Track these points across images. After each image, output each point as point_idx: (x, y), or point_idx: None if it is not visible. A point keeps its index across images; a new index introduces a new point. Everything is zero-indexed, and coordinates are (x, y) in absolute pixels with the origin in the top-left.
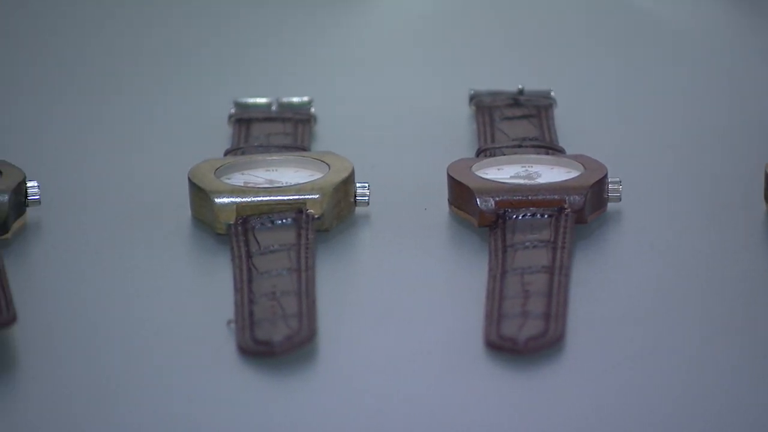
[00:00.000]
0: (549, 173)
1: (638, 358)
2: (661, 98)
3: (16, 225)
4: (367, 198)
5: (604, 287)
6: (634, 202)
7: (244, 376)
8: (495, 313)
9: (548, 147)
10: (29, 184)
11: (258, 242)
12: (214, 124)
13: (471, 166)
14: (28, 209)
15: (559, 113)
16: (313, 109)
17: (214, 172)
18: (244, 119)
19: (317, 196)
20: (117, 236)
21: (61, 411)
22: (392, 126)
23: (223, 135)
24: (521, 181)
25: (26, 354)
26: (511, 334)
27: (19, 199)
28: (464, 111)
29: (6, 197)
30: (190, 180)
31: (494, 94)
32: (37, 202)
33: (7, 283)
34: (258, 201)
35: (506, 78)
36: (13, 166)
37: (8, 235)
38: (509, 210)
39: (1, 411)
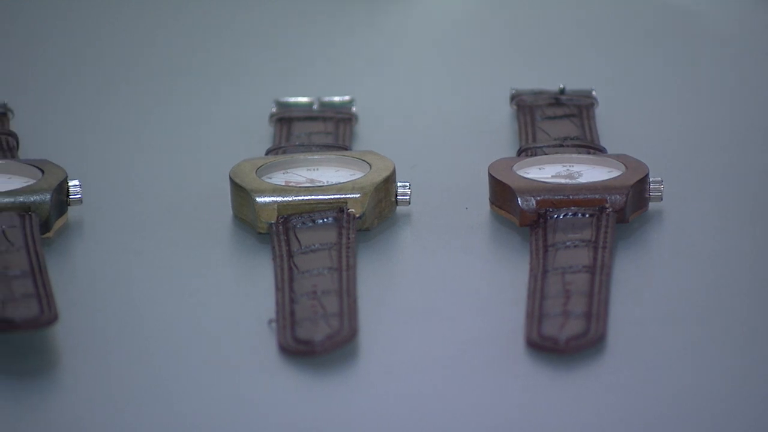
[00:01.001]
0: (590, 173)
1: (679, 358)
2: (704, 97)
3: (58, 224)
4: (408, 197)
5: (645, 287)
6: (676, 202)
7: (284, 375)
8: (536, 313)
9: (589, 146)
10: (71, 183)
11: (299, 241)
12: (255, 123)
13: (512, 166)
14: (69, 208)
15: (600, 112)
16: (354, 108)
17: (256, 172)
18: (286, 118)
19: (358, 195)
20: (158, 235)
21: (102, 410)
22: (433, 125)
23: (264, 134)
24: (562, 181)
25: (68, 353)
26: (552, 333)
27: (61, 198)
28: (505, 110)
29: (48, 196)
30: (231, 179)
31: (536, 94)
32: (79, 201)
33: (49, 282)
34: (299, 200)
35: (548, 77)
36: (55, 165)
37: (50, 234)
38: (550, 209)
39: (43, 410)
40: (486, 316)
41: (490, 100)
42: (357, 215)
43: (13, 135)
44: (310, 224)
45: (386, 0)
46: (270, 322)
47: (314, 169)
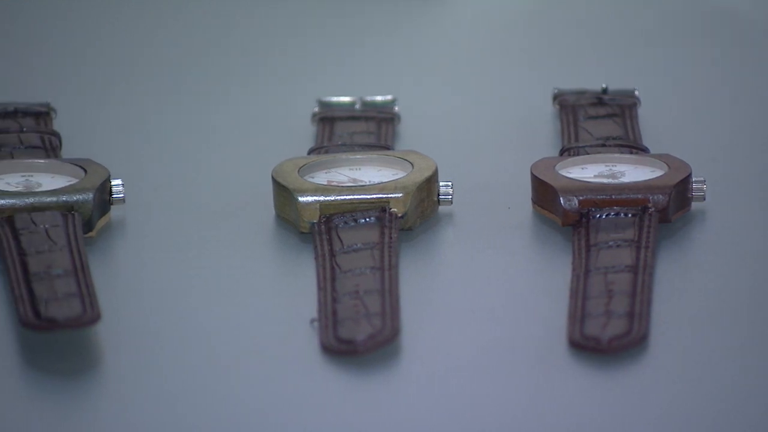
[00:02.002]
0: (633, 172)
1: (722, 358)
2: (747, 96)
3: (100, 223)
4: (450, 197)
5: (688, 287)
6: (718, 202)
7: (327, 374)
8: (578, 313)
9: (632, 146)
10: (114, 182)
11: (341, 241)
12: (297, 122)
13: (555, 165)
14: (112, 207)
15: (643, 112)
16: (396, 108)
17: (298, 171)
18: (328, 118)
19: (400, 194)
20: (201, 235)
21: (144, 409)
22: (476, 125)
23: (306, 134)
24: (605, 180)
25: (110, 352)
26: (595, 333)
27: (104, 198)
28: (548, 110)
29: (91, 196)
30: (273, 179)
31: (578, 93)
32: (122, 200)
33: (91, 281)
34: (341, 200)
35: (590, 77)
36: (98, 165)
37: (93, 234)
38: (593, 209)
39: (85, 409)
40: (528, 316)
41: (532, 99)
42: (399, 215)
43: (56, 134)
44: (353, 224)
45: (429, 0)
46: (312, 321)
47: (356, 169)
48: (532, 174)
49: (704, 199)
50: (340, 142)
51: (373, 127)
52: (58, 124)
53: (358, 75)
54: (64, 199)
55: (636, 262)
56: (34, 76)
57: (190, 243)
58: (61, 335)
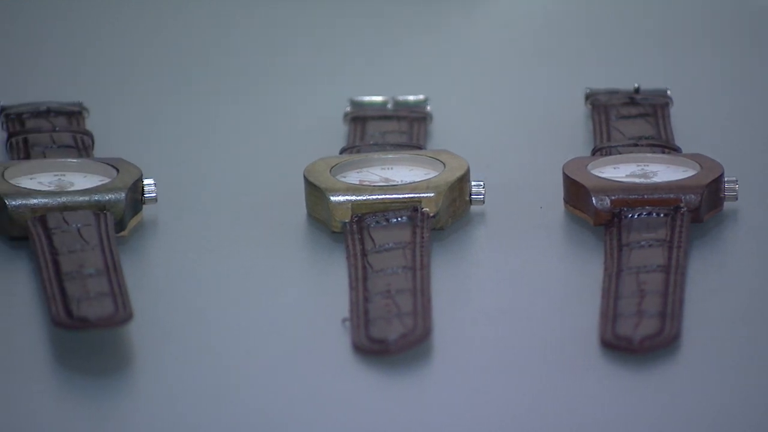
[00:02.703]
0: (665, 172)
1: (754, 358)
2: None
3: (132, 222)
4: (482, 196)
5: (720, 286)
6: (751, 202)
7: (358, 374)
8: (610, 312)
9: (664, 146)
10: (146, 181)
11: (373, 240)
12: (330, 122)
13: (587, 165)
14: (144, 207)
15: (675, 112)
16: (428, 107)
17: (330, 171)
18: (360, 117)
19: (432, 194)
20: (232, 234)
21: (176, 408)
22: (508, 124)
23: (338, 133)
24: (637, 180)
25: (142, 351)
26: (627, 333)
27: (136, 197)
28: (580, 109)
29: (123, 195)
30: (305, 178)
31: (610, 93)
32: (154, 199)
33: (123, 280)
34: (373, 199)
35: (622, 76)
36: (130, 164)
37: (125, 233)
38: (625, 209)
39: (117, 408)
40: (560, 315)
41: (564, 99)
42: (431, 214)
43: (89, 134)
44: (384, 223)
45: (462, 0)
46: (344, 321)
47: (388, 168)
48: (564, 173)
49: (736, 199)
50: (372, 142)
51: (405, 127)
52: (91, 123)
53: (390, 74)
54: (96, 198)
55: (668, 261)
56: (66, 76)
57: (221, 242)
58: (93, 335)
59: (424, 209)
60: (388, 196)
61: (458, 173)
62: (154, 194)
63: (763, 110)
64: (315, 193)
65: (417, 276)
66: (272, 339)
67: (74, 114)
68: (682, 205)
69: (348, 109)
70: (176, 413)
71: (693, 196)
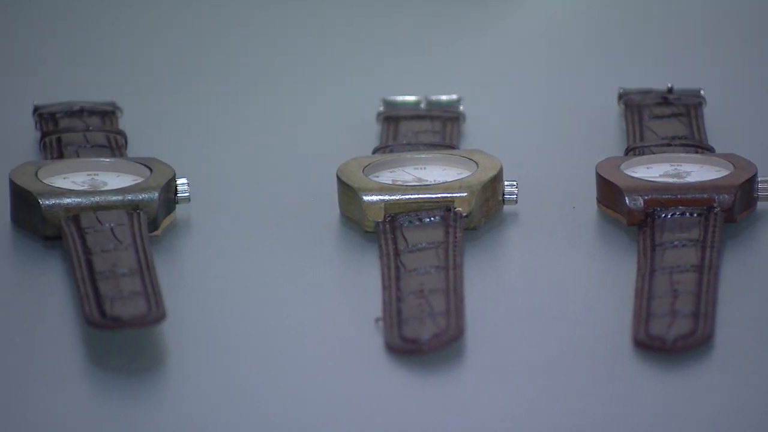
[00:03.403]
0: (698, 172)
1: None
2: None
3: (165, 222)
4: (515, 196)
5: (753, 286)
6: None
7: (391, 374)
8: (643, 312)
9: (697, 146)
10: (179, 181)
11: (406, 240)
12: (362, 122)
13: (620, 165)
14: (177, 206)
15: (708, 112)
16: (461, 107)
17: (363, 170)
18: (393, 117)
19: (465, 194)
20: (265, 234)
21: (209, 407)
22: (541, 124)
23: (371, 133)
24: (670, 180)
25: (175, 351)
26: (660, 333)
27: (169, 197)
28: (613, 109)
29: (156, 194)
30: (338, 178)
31: (643, 93)
32: (187, 199)
33: (156, 280)
34: (406, 199)
35: (656, 76)
36: (164, 164)
37: (158, 232)
38: (658, 209)
39: (150, 408)
40: (593, 315)
41: (597, 99)
42: (464, 214)
43: (122, 133)
44: (417, 223)
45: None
46: (377, 320)
47: (421, 168)
48: (597, 173)
49: None
50: (405, 142)
51: (438, 127)
52: (124, 123)
53: (423, 74)
54: (129, 198)
55: (701, 261)
56: (99, 76)
57: (254, 242)
58: (126, 334)
59: (457, 209)
60: (421, 195)
61: (491, 173)
62: (187, 194)
63: None
64: (348, 192)
65: (450, 276)
66: (305, 339)
67: (107, 113)
68: (715, 205)
69: (381, 108)
70: (208, 413)
71: (726, 196)
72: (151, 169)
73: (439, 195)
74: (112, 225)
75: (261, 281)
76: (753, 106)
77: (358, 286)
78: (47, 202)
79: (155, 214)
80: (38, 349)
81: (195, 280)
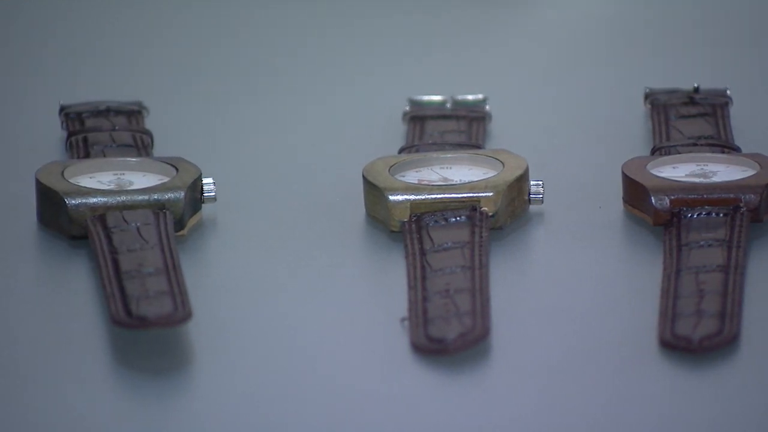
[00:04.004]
0: (724, 172)
1: None
2: None
3: (191, 222)
4: (541, 196)
5: None
6: None
7: (417, 373)
8: (669, 312)
9: (724, 145)
10: (205, 180)
11: (432, 240)
12: (388, 121)
13: (646, 165)
14: (203, 206)
15: (734, 111)
16: (487, 107)
17: (389, 170)
18: (419, 117)
19: (491, 193)
20: (291, 233)
21: (234, 407)
22: (567, 124)
23: (397, 132)
24: (696, 180)
25: (201, 351)
26: (686, 333)
27: (195, 196)
28: (639, 109)
29: (182, 194)
30: (364, 177)
31: (670, 92)
32: (213, 198)
33: (182, 279)
34: (432, 198)
35: (682, 76)
36: (190, 163)
37: (184, 232)
38: (684, 208)
39: (175, 408)
40: (619, 315)
41: (623, 98)
42: (490, 214)
43: (148, 133)
44: (443, 222)
45: (520, 0)
46: (402, 320)
47: (447, 168)
48: (623, 173)
49: None
50: (430, 141)
51: (464, 126)
52: (150, 122)
53: (449, 74)
54: (155, 197)
55: (727, 261)
56: (126, 75)
57: (280, 242)
58: (152, 333)
59: (483, 209)
60: (446, 195)
61: (517, 173)
62: (213, 193)
63: None
64: (374, 192)
65: (476, 275)
66: (331, 338)
67: (134, 113)
68: (741, 204)
69: (407, 108)
70: (234, 412)
71: (752, 195)
72: (177, 169)
73: (464, 195)
74: (138, 224)
75: (287, 281)
76: None
77: (383, 286)
78: (73, 202)
79: (181, 213)
80: (64, 348)
81: (221, 279)
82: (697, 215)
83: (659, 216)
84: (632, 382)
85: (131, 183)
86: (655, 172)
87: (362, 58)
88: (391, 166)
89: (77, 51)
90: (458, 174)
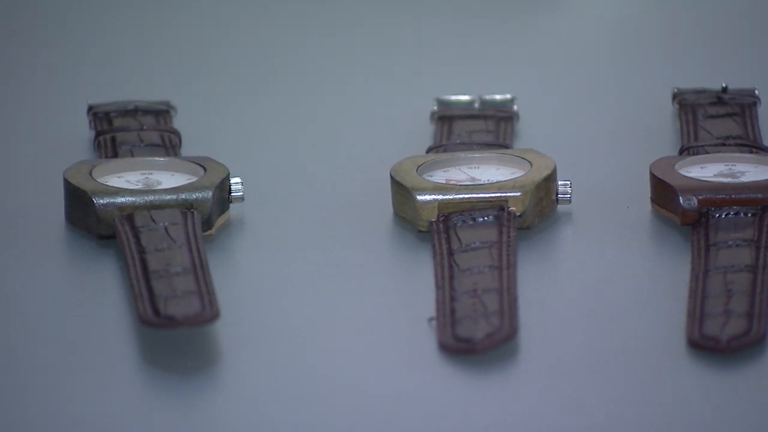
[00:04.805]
0: (753, 172)
1: None
2: None
3: (219, 221)
4: (569, 196)
5: None
6: None
7: (444, 373)
8: (697, 312)
9: (752, 145)
10: (233, 180)
11: (459, 239)
12: (416, 121)
13: (674, 165)
14: (231, 205)
15: (763, 111)
16: (515, 107)
17: (416, 170)
18: (447, 116)
19: (519, 193)
20: (319, 233)
21: (261, 407)
22: (595, 123)
23: (425, 132)
24: (724, 180)
25: (228, 350)
26: (714, 333)
27: (223, 196)
28: (667, 109)
29: (210, 194)
30: (392, 177)
31: (698, 92)
32: (241, 198)
33: (210, 279)
34: (460, 198)
35: (710, 76)
36: (218, 163)
37: (212, 231)
38: (712, 208)
39: (203, 408)
40: (646, 315)
41: (651, 98)
42: (518, 213)
43: (176, 132)
44: (471, 222)
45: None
46: (430, 320)
47: (475, 168)
48: (651, 173)
49: None
50: (458, 141)
51: (491, 126)
52: (178, 122)
53: (477, 73)
54: (183, 197)
55: (755, 261)
56: (154, 75)
57: (308, 241)
58: (179, 333)
59: (511, 208)
60: (474, 195)
61: (545, 172)
62: (241, 193)
63: None
64: (401, 192)
65: (503, 275)
66: (358, 338)
67: (162, 113)
68: None
69: (435, 108)
70: (262, 412)
71: None
72: (205, 168)
73: (492, 194)
74: (166, 224)
75: (314, 281)
76: None
77: (411, 286)
78: (101, 201)
79: (209, 213)
80: (92, 348)
81: (248, 279)
82: (725, 215)
83: (687, 216)
84: (660, 382)
85: (159, 182)
86: (683, 172)
87: (391, 57)
88: (418, 166)
89: (105, 51)
90: (486, 174)
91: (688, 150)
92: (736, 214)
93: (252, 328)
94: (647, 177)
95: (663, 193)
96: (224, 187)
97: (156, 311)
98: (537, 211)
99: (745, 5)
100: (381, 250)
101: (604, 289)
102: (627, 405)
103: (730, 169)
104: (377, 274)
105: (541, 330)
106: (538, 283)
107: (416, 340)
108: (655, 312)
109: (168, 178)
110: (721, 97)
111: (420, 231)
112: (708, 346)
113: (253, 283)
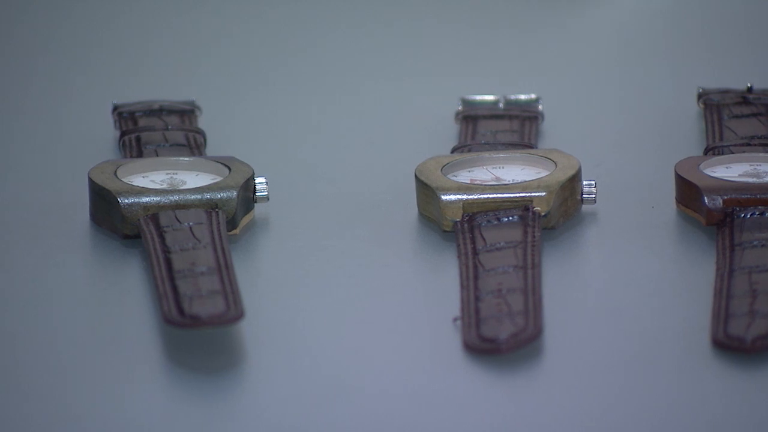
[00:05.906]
0: None
1: None
2: None
3: (244, 221)
4: (593, 196)
5: None
6: None
7: (469, 373)
8: (722, 312)
9: None
10: (258, 180)
11: (484, 239)
12: (441, 121)
13: (699, 164)
14: (256, 205)
15: None
16: (540, 107)
17: (441, 169)
18: (471, 116)
19: (544, 193)
20: (344, 233)
21: (287, 406)
22: (619, 123)
23: (450, 132)
24: (749, 180)
25: (254, 350)
26: (739, 333)
27: (248, 195)
28: (692, 109)
29: (235, 193)
30: (416, 177)
31: (723, 92)
32: (265, 198)
33: (234, 278)
34: (484, 198)
35: (735, 76)
36: (242, 163)
37: (236, 231)
38: (737, 208)
39: (227, 407)
40: (671, 315)
41: (676, 98)
42: (542, 213)
43: (201, 132)
44: (495, 222)
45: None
46: (455, 319)
47: (500, 168)
48: (675, 173)
49: None
50: (483, 141)
51: (516, 126)
52: (203, 122)
53: (501, 73)
54: (208, 196)
55: None
56: (179, 75)
57: (332, 241)
58: (204, 333)
59: (536, 208)
60: (499, 195)
61: (570, 172)
62: (266, 193)
63: None
64: (426, 191)
65: (528, 275)
66: (383, 337)
67: (186, 112)
68: None
69: (459, 108)
70: (287, 412)
71: None
72: (229, 168)
73: (517, 194)
74: (191, 224)
75: (339, 280)
76: None
77: (436, 285)
78: (126, 201)
79: (234, 212)
80: (117, 347)
81: (273, 278)
82: (750, 215)
83: (712, 216)
84: (684, 382)
85: (184, 182)
86: (708, 171)
87: (415, 57)
88: (443, 166)
89: (131, 50)
90: (511, 174)
91: (713, 150)
92: (761, 214)
93: (276, 327)
94: (672, 177)
95: (688, 193)
96: (249, 186)
97: (181, 311)
98: (562, 211)
99: None
100: (406, 250)
101: (628, 289)
102: (651, 405)
103: (755, 168)
104: (402, 273)
105: (566, 330)
106: (562, 283)
107: (441, 340)
108: (680, 312)
109: (193, 178)
110: (746, 97)
111: (444, 231)
112: (733, 346)
113: (277, 282)
